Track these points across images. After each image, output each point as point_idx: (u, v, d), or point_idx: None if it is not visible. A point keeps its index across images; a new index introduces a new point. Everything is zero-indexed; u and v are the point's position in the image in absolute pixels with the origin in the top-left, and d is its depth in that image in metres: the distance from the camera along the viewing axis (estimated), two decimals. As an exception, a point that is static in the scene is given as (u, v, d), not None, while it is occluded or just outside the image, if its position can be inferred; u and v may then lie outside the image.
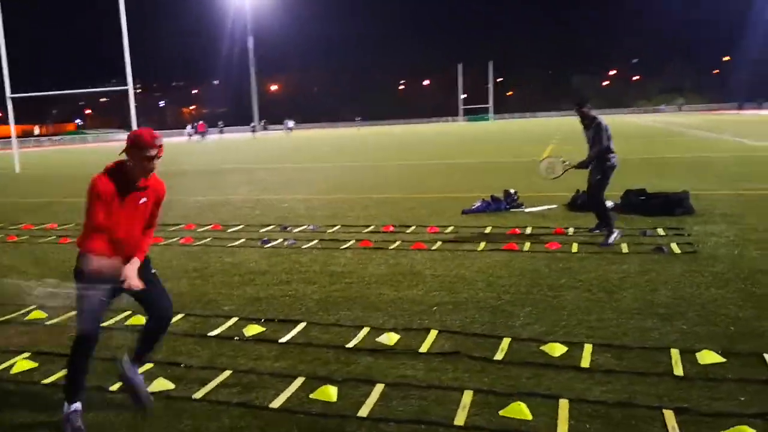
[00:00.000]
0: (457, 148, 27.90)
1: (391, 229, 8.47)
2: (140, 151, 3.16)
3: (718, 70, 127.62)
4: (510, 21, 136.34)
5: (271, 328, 4.70)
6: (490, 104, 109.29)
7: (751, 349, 3.89)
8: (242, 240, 8.16)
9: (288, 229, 8.87)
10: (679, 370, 3.63)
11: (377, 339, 4.38)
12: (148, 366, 3.98)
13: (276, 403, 3.46)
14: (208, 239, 8.32)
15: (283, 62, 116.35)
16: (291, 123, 68.19)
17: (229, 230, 8.98)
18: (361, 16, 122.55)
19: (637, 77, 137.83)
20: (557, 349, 4.00)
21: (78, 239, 3.26)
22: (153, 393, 3.61)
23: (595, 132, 7.13)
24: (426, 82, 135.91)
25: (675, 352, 3.87)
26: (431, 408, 3.32)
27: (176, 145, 47.41)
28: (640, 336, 4.21)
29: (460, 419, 3.19)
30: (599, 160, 7.16)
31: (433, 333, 4.41)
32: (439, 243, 7.42)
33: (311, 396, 3.53)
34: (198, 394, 3.62)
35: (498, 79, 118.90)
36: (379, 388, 3.58)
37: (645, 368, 3.69)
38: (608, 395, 3.37)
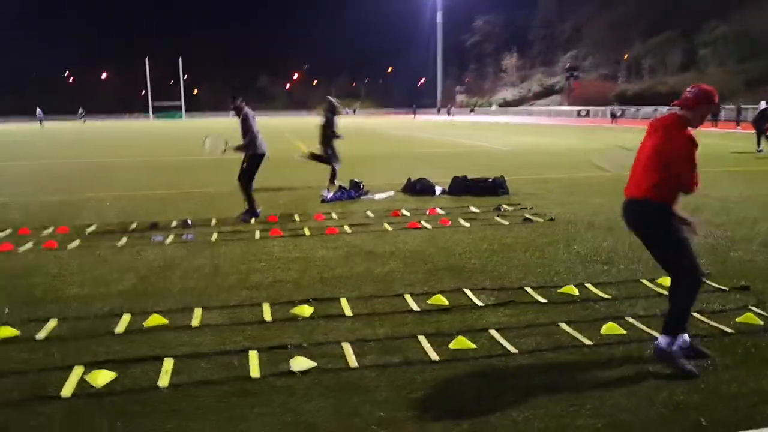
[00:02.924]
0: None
1: (276, 219, 8.61)
2: (708, 106, 3.68)
3: (381, 79, 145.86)
4: (196, 18, 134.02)
5: (322, 306, 4.85)
6: (182, 102, 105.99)
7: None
8: (124, 240, 7.41)
9: (158, 225, 8.28)
10: (663, 291, 5.10)
11: (429, 301, 4.94)
12: (253, 356, 3.94)
13: (435, 356, 3.88)
14: (76, 242, 7.32)
15: None
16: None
17: (87, 231, 7.96)
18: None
19: (316, 82, 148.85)
20: (574, 290, 5.15)
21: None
22: (305, 372, 3.69)
23: (242, 122, 8.29)
24: (103, 75, 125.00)
25: (646, 281, 5.36)
26: (542, 340, 4.14)
27: None
28: (605, 275, 5.61)
29: (590, 340, 4.10)
30: (249, 148, 8.35)
31: (468, 291, 5.16)
32: (347, 227, 7.94)
33: (451, 346, 4.03)
34: (352, 364, 3.79)
35: (184, 77, 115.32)
36: (493, 332, 4.25)
37: (641, 294, 5.08)
38: (654, 309, 4.64)
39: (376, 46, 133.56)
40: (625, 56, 72.82)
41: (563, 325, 4.36)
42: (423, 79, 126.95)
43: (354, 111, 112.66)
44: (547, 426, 3.04)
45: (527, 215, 8.47)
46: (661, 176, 3.67)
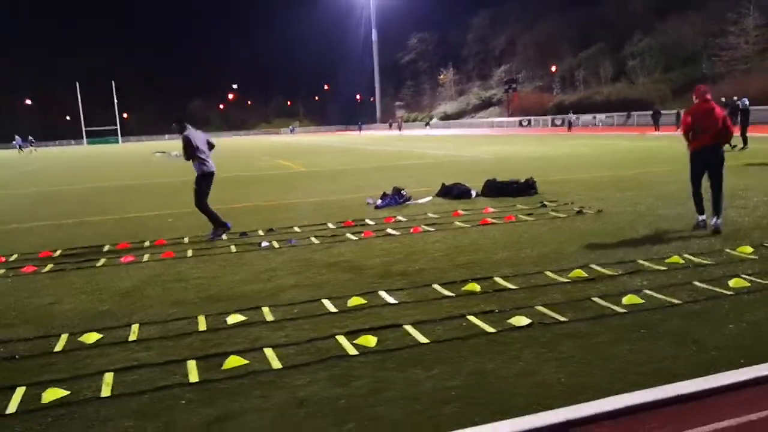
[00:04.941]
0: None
1: (352, 223, 9.36)
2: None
3: (318, 97, 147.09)
4: (126, 42, 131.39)
5: (483, 284, 5.70)
6: (118, 126, 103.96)
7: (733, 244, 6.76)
8: (233, 248, 7.97)
9: (247, 234, 8.92)
10: (746, 256, 6.24)
11: (570, 275, 5.87)
12: (472, 318, 4.78)
13: (620, 309, 4.82)
14: (190, 251, 7.86)
15: None
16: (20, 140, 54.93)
17: (185, 241, 8.50)
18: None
19: (250, 102, 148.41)
20: (679, 259, 6.20)
21: None
22: (527, 326, 4.56)
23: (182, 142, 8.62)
24: (28, 102, 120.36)
25: (729, 250, 6.46)
26: (685, 295, 5.16)
27: None
28: (690, 247, 6.71)
29: (727, 290, 5.14)
30: (196, 169, 8.65)
31: (595, 266, 6.14)
32: (425, 226, 8.79)
33: (625, 302, 4.98)
34: (562, 318, 4.69)
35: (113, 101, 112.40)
36: (648, 291, 5.24)
37: (734, 259, 6.17)
38: (756, 267, 5.74)
39: (311, 64, 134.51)
40: (553, 68, 76.62)
41: (697, 283, 5.40)
42: (359, 97, 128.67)
43: (292, 130, 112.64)
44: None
45: (576, 209, 9.56)
46: (723, 132, 7.39)
